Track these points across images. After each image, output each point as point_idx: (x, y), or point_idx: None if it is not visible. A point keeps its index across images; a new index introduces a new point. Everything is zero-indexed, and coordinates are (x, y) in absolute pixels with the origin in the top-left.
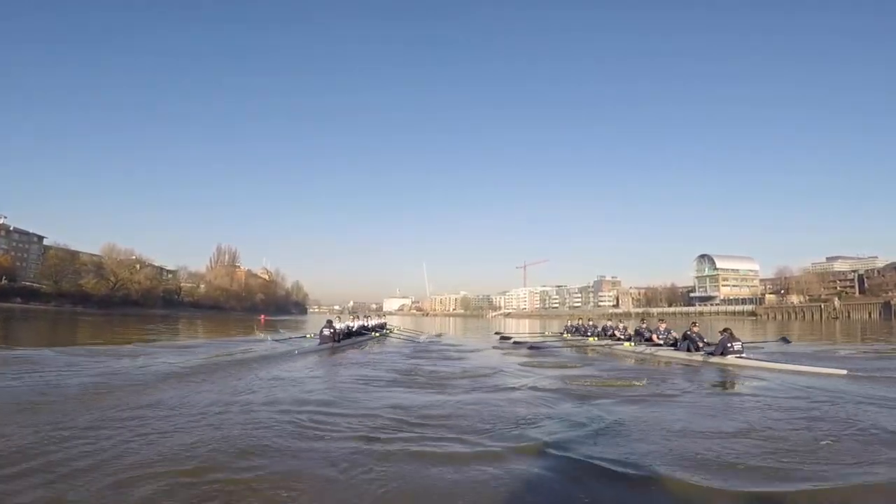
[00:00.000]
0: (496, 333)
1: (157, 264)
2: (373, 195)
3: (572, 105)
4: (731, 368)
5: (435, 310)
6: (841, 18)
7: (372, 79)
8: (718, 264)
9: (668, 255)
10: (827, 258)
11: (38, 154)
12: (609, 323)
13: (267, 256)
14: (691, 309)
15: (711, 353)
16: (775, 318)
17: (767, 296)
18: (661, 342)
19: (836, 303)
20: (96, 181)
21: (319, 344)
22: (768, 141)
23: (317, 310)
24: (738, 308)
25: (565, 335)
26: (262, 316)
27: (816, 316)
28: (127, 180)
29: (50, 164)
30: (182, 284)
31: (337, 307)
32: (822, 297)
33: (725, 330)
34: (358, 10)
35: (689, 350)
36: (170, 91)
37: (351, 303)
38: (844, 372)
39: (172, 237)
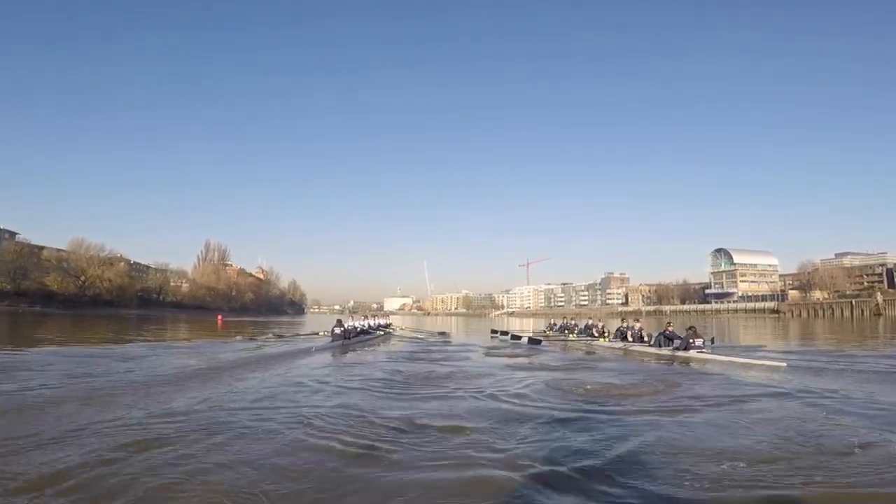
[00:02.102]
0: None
1: (143, 262)
2: (373, 194)
3: (576, 102)
4: (692, 363)
5: (436, 309)
6: (851, 15)
7: (372, 77)
8: (735, 259)
9: (678, 252)
10: (836, 254)
11: (21, 150)
12: (590, 321)
13: (266, 256)
14: (707, 307)
15: (677, 348)
16: (800, 315)
17: (790, 292)
18: (632, 339)
19: (878, 297)
20: (86, 182)
21: (332, 341)
22: (771, 139)
23: (316, 310)
24: (759, 305)
25: (548, 332)
26: (220, 316)
27: (847, 313)
28: (119, 180)
29: (32, 161)
30: (172, 283)
31: (337, 307)
32: (848, 292)
33: (691, 328)
34: (357, 9)
35: (660, 346)
36: (168, 90)
37: (351, 302)
38: (784, 364)
39: (169, 238)
